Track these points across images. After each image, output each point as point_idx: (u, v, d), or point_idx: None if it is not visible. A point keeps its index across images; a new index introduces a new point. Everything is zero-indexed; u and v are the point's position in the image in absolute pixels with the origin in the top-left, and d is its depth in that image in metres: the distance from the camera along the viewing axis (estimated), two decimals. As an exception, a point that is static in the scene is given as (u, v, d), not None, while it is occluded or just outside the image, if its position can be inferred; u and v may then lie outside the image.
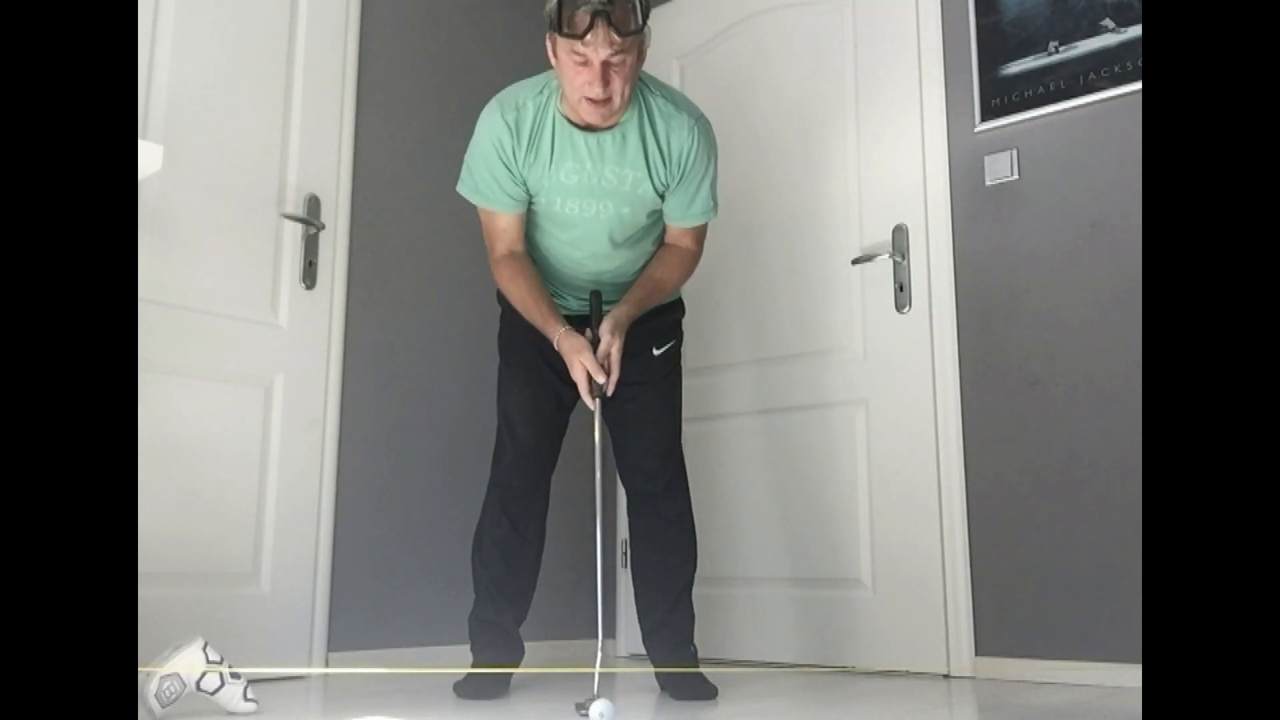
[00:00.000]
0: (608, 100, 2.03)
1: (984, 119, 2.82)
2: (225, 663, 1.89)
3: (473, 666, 2.29)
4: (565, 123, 2.14)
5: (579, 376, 2.13)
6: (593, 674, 2.00)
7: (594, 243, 2.24)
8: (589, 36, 1.95)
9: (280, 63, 2.81)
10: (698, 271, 2.78)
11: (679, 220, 2.29)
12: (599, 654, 2.05)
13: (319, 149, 2.86)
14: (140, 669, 1.79)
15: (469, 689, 2.22)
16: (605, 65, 1.99)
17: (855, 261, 2.99)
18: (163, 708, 1.81)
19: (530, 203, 2.23)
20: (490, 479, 2.36)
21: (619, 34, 1.96)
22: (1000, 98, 2.80)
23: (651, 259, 2.33)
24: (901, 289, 2.91)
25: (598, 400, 2.14)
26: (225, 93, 2.67)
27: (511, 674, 2.29)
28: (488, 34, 3.36)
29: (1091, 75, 2.66)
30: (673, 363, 2.40)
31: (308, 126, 2.84)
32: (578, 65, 2.00)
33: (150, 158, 1.89)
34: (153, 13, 2.55)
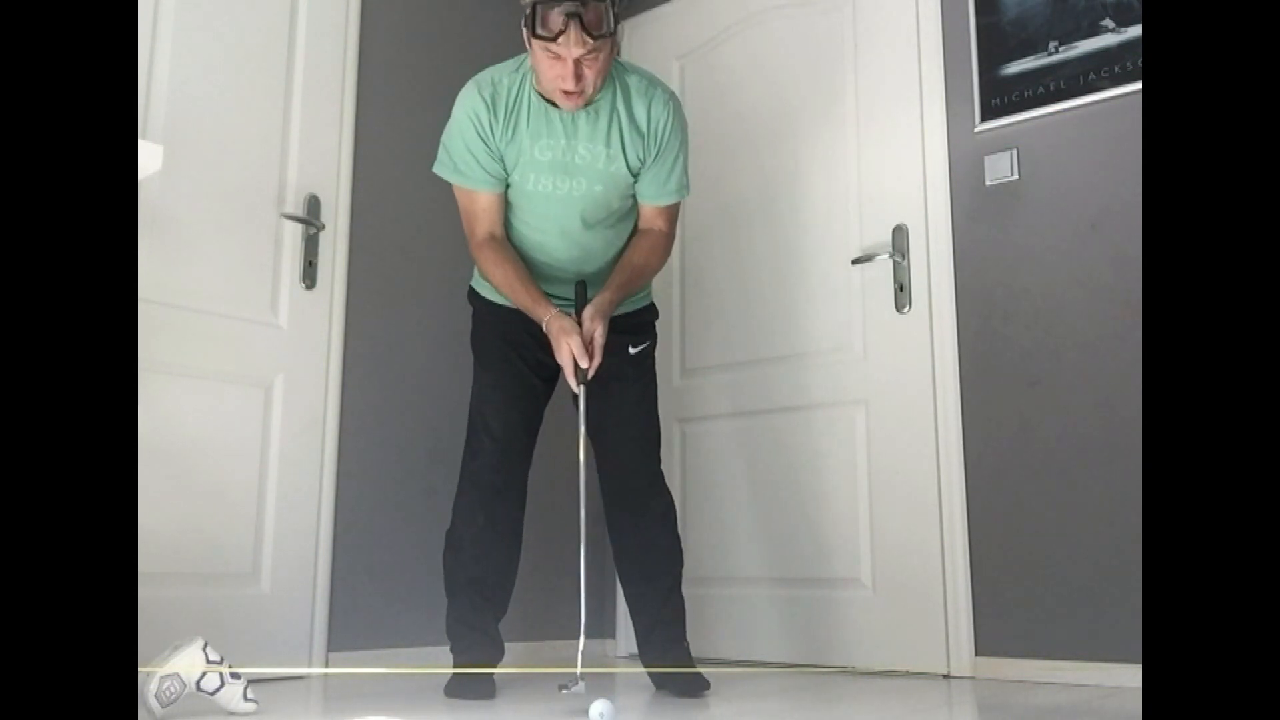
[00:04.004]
0: (580, 93, 2.10)
1: (984, 119, 2.82)
2: (225, 663, 1.89)
3: (455, 668, 2.29)
4: (540, 99, 2.19)
5: (564, 359, 2.15)
6: (590, 672, 2.01)
7: (566, 221, 2.26)
8: (561, 39, 2.02)
9: (280, 63, 2.81)
10: (695, 271, 2.79)
11: (654, 199, 2.31)
12: (581, 639, 2.07)
13: (319, 149, 2.86)
14: (140, 669, 1.79)
15: (457, 689, 2.22)
16: (578, 62, 2.05)
17: (855, 261, 2.99)
18: (163, 708, 1.81)
19: (506, 185, 2.25)
20: (463, 476, 2.33)
21: (591, 37, 2.02)
22: (1000, 98, 2.80)
23: (626, 246, 2.35)
24: (901, 289, 2.91)
25: (582, 385, 2.16)
26: (225, 93, 2.67)
27: (495, 673, 2.29)
28: (487, 35, 3.35)
29: (1091, 75, 2.66)
30: (648, 364, 2.42)
31: (308, 126, 2.84)
32: (551, 60, 2.07)
33: (150, 158, 1.89)
34: (153, 13, 2.55)
